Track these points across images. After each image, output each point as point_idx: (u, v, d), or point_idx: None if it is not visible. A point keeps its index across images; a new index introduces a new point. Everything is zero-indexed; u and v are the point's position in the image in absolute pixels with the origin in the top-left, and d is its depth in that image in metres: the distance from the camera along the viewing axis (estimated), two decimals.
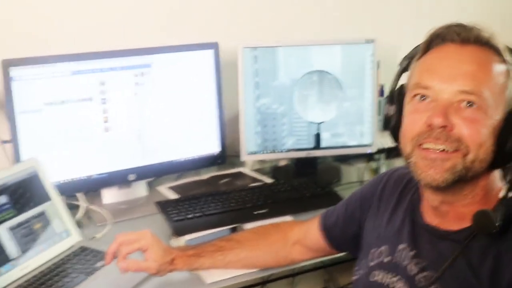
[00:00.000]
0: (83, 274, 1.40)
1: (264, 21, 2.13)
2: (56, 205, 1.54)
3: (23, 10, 1.77)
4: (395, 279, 1.11)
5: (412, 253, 1.09)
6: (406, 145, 1.04)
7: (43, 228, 1.49)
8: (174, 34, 1.95)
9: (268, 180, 1.99)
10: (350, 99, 1.96)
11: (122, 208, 1.79)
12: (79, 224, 1.64)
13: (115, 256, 1.30)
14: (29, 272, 1.40)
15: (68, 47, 1.74)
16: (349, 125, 1.98)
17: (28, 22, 1.77)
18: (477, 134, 0.97)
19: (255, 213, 1.69)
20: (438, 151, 0.99)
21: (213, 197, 1.76)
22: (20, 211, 1.45)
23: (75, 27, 1.83)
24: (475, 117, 0.97)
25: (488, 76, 0.98)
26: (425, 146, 1.00)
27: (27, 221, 1.46)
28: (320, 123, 1.97)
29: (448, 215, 1.05)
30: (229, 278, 1.41)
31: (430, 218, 1.09)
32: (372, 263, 1.18)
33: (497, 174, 1.05)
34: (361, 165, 2.10)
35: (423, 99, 1.01)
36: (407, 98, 1.06)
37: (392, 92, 1.13)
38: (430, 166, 1.00)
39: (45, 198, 1.52)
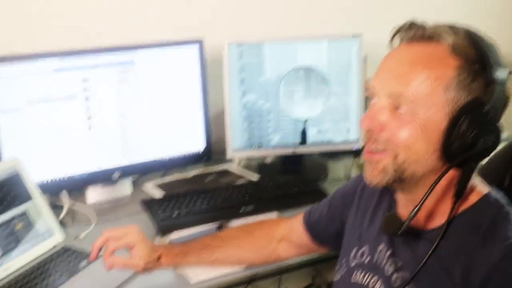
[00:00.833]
0: (66, 274, 1.39)
1: (249, 17, 2.11)
2: (38, 205, 1.52)
3: (4, 7, 1.75)
4: (374, 279, 1.10)
5: (388, 252, 1.08)
6: None
7: (25, 228, 1.47)
8: (158, 30, 1.94)
9: (255, 177, 1.98)
10: (336, 95, 1.94)
11: (107, 207, 1.77)
12: (62, 224, 1.62)
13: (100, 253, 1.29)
14: (12, 273, 1.39)
15: (51, 44, 1.71)
16: (335, 121, 1.97)
17: (10, 19, 1.75)
18: (404, 136, 0.96)
19: (241, 210, 1.68)
20: (371, 152, 1.00)
21: (199, 195, 1.74)
22: (1, 211, 1.43)
23: (58, 24, 1.81)
24: (403, 119, 0.96)
25: (419, 78, 0.95)
26: (366, 147, 1.02)
27: (8, 221, 1.44)
28: (306, 119, 1.96)
29: (420, 214, 1.03)
30: (213, 277, 1.40)
31: (404, 217, 1.06)
32: (353, 264, 1.17)
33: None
34: (348, 161, 2.09)
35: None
36: None
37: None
38: (367, 167, 1.02)
39: (27, 197, 1.50)
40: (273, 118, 1.96)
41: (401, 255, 1.06)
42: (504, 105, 0.98)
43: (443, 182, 0.98)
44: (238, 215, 1.65)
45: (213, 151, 1.98)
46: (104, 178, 1.76)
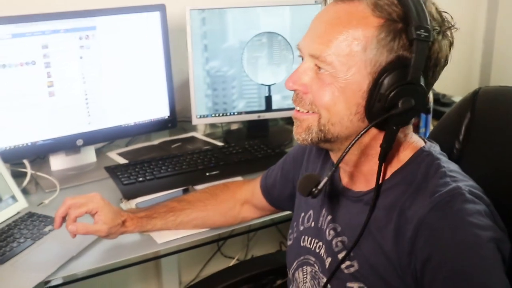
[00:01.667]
0: (30, 238, 1.38)
1: None
2: (0, 172, 1.50)
3: None
4: (319, 244, 1.11)
5: (329, 217, 1.09)
6: None
7: None
8: None
9: (220, 144, 1.99)
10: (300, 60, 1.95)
11: (71, 174, 1.76)
12: (26, 191, 1.61)
13: (64, 220, 1.28)
14: None
15: (8, 9, 1.68)
16: None
17: None
18: (325, 98, 0.95)
19: (207, 174, 1.69)
20: (298, 111, 1.01)
21: (164, 161, 1.74)
22: None
23: None
24: (324, 80, 0.95)
25: (337, 38, 0.93)
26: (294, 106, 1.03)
27: None
28: (271, 85, 1.97)
29: (356, 176, 1.04)
30: (180, 237, 1.41)
31: (344, 180, 1.08)
32: (301, 228, 1.18)
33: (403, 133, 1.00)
34: None
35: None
36: None
37: None
38: (295, 124, 1.03)
39: None
40: (237, 85, 1.97)
41: (340, 220, 1.06)
42: (435, 65, 0.94)
43: (375, 144, 0.98)
44: (204, 180, 1.66)
45: (179, 119, 1.99)
46: (68, 145, 1.75)
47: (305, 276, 1.13)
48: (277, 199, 1.37)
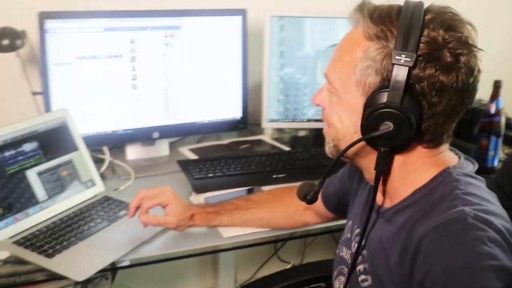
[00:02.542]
0: (106, 220, 1.47)
1: None
2: (83, 156, 1.60)
3: None
4: (348, 254, 1.15)
5: (357, 230, 1.13)
6: None
7: (70, 176, 1.55)
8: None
9: (287, 148, 2.04)
10: None
11: (145, 165, 1.85)
12: (103, 176, 1.70)
13: (137, 210, 1.36)
14: (56, 215, 1.47)
15: (102, 4, 1.79)
16: None
17: None
18: (330, 117, 1.02)
19: (274, 177, 1.74)
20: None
21: (234, 160, 1.81)
22: (48, 158, 1.52)
23: None
24: (331, 100, 1.02)
25: (338, 61, 0.99)
26: None
27: (55, 167, 1.52)
28: None
29: (385, 193, 1.06)
30: (245, 234, 1.46)
31: (378, 197, 1.09)
32: (342, 238, 1.22)
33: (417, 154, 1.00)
34: None
35: None
36: None
37: None
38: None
39: (73, 148, 1.58)
40: (309, 93, 2.01)
41: (368, 234, 1.08)
42: (438, 89, 0.91)
43: (394, 164, 1.00)
44: (270, 181, 1.71)
45: (249, 122, 2.05)
46: (144, 136, 1.84)
47: (340, 285, 1.17)
48: (335, 207, 1.40)
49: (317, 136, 2.11)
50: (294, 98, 2.01)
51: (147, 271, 2.30)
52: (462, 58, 0.91)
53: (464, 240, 0.86)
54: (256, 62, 1.98)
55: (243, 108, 1.97)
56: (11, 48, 1.63)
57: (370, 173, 1.03)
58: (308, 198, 1.08)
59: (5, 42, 1.61)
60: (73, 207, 1.52)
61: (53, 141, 1.54)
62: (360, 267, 1.06)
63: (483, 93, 1.90)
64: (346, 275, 1.12)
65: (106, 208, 1.52)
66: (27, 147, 1.48)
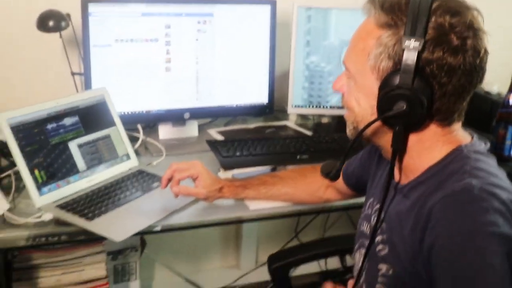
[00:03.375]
0: (140, 191, 1.57)
1: None
2: (119, 131, 1.71)
3: None
4: (368, 228, 1.23)
5: (377, 206, 1.20)
6: None
7: (107, 149, 1.66)
8: None
9: (310, 133, 2.12)
10: None
11: (175, 144, 1.95)
12: (136, 153, 1.79)
13: (169, 182, 1.46)
14: (94, 185, 1.58)
15: None
16: None
17: None
18: (349, 101, 1.12)
19: (298, 157, 1.82)
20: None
21: (260, 141, 1.89)
22: (88, 131, 1.63)
23: None
24: (349, 85, 1.11)
25: (354, 48, 1.07)
26: None
27: (94, 141, 1.64)
28: None
29: (402, 170, 1.12)
30: (270, 207, 1.56)
31: (396, 174, 1.17)
32: (363, 214, 1.30)
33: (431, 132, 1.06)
34: None
35: None
36: None
37: None
38: None
39: (110, 123, 1.70)
40: (333, 81, 2.08)
41: (386, 209, 1.15)
42: (446, 71, 0.98)
43: (409, 143, 1.07)
44: (294, 161, 1.80)
45: (275, 108, 2.14)
46: (176, 117, 1.95)
47: (361, 257, 1.24)
48: (355, 185, 1.48)
49: (339, 122, 2.19)
50: (318, 85, 2.10)
51: (172, 248, 2.42)
52: (469, 41, 0.98)
53: (469, 209, 0.95)
54: (283, 50, 2.07)
55: (269, 94, 2.06)
56: (56, 28, 1.75)
57: (387, 151, 1.12)
58: (330, 175, 1.18)
59: (51, 23, 1.73)
60: (109, 178, 1.63)
61: (92, 117, 1.65)
62: (378, 238, 1.14)
63: (503, 87, 1.97)
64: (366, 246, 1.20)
65: (140, 180, 1.63)
66: (69, 121, 1.59)
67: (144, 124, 1.95)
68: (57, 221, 1.41)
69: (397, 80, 1.00)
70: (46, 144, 1.52)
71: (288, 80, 2.07)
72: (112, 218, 1.44)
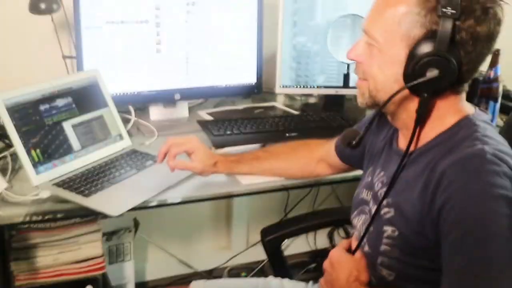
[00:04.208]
0: (135, 169, 1.61)
1: None
2: (112, 112, 1.74)
3: None
4: (370, 194, 1.27)
5: (382, 173, 1.25)
6: None
7: (100, 129, 1.70)
8: None
9: (298, 113, 2.17)
10: None
11: (167, 125, 1.98)
12: (129, 134, 1.82)
13: (165, 156, 1.49)
14: (89, 164, 1.62)
15: None
16: None
17: None
18: (370, 68, 1.12)
19: (287, 135, 1.87)
20: (358, 79, 1.18)
21: (249, 120, 1.94)
22: (81, 112, 1.66)
23: None
24: (371, 53, 1.11)
25: (381, 16, 1.08)
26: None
27: (87, 121, 1.67)
28: (350, 63, 2.13)
29: (408, 137, 1.15)
30: (261, 182, 1.60)
31: (400, 142, 1.23)
32: (363, 183, 1.34)
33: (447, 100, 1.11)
34: None
35: None
36: None
37: None
38: (357, 90, 1.20)
39: (103, 104, 1.73)
40: (320, 61, 2.14)
41: (388, 174, 1.21)
42: (474, 39, 1.03)
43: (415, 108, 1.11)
44: (283, 139, 1.82)
45: (263, 89, 2.18)
46: (167, 98, 1.98)
47: (359, 222, 1.29)
48: (348, 157, 1.52)
49: (327, 102, 2.25)
50: (305, 65, 2.14)
51: (165, 229, 2.46)
52: (491, 11, 1.04)
53: (482, 172, 1.00)
54: (270, 31, 2.10)
55: (257, 74, 2.10)
56: (48, 11, 1.77)
57: (400, 118, 1.16)
58: (353, 143, 1.21)
59: (42, 6, 1.75)
60: (104, 157, 1.66)
61: (85, 98, 1.68)
62: (383, 202, 1.18)
63: (485, 63, 2.03)
64: (368, 212, 1.25)
65: (134, 159, 1.67)
66: (63, 101, 1.62)
67: (135, 105, 1.98)
68: (55, 198, 1.45)
69: (428, 47, 1.04)
70: (42, 124, 1.55)
71: (276, 60, 2.11)
72: (108, 194, 1.47)
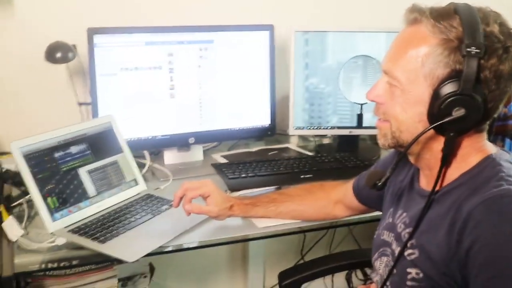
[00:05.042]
0: (150, 213, 1.60)
1: (316, 8, 2.32)
2: (127, 157, 1.75)
3: None
4: (393, 236, 1.25)
5: (404, 214, 1.24)
6: None
7: (116, 175, 1.70)
8: (235, 15, 2.17)
9: (312, 154, 2.17)
10: None
11: (181, 168, 1.99)
12: (144, 178, 1.83)
13: (181, 200, 1.49)
14: (104, 209, 1.61)
15: (143, 21, 1.97)
16: None
17: None
18: (392, 109, 1.12)
19: (302, 177, 1.87)
20: (378, 120, 1.18)
21: (264, 162, 1.94)
22: (97, 158, 1.67)
23: (150, 3, 2.08)
24: (393, 93, 1.11)
25: (402, 56, 1.08)
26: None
27: (102, 167, 1.67)
28: (363, 104, 2.14)
29: (430, 177, 1.15)
30: (277, 224, 1.59)
31: (422, 182, 1.22)
32: (384, 224, 1.32)
33: (470, 139, 1.11)
34: None
35: None
36: None
37: None
38: (377, 132, 1.19)
39: (118, 150, 1.73)
40: (332, 101, 2.15)
41: (410, 214, 1.20)
42: (497, 77, 1.04)
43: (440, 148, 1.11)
44: (298, 181, 1.83)
45: (276, 131, 2.18)
46: (181, 142, 1.99)
47: (381, 264, 1.27)
48: (366, 199, 1.51)
49: (341, 142, 2.24)
50: (318, 107, 2.15)
51: (180, 274, 2.43)
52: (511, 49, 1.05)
53: (510, 213, 1.00)
54: (283, 73, 2.13)
55: (271, 116, 2.11)
56: (63, 59, 1.80)
57: (424, 158, 1.16)
58: (379, 185, 1.19)
59: (58, 54, 1.79)
60: (119, 202, 1.66)
61: (100, 144, 1.69)
62: (407, 244, 1.16)
63: None
64: (391, 255, 1.23)
65: (149, 203, 1.66)
66: (78, 148, 1.63)
67: (149, 150, 1.99)
68: (70, 245, 1.44)
69: (453, 86, 1.03)
70: (57, 171, 1.55)
71: (289, 102, 2.12)
72: (124, 240, 1.46)
